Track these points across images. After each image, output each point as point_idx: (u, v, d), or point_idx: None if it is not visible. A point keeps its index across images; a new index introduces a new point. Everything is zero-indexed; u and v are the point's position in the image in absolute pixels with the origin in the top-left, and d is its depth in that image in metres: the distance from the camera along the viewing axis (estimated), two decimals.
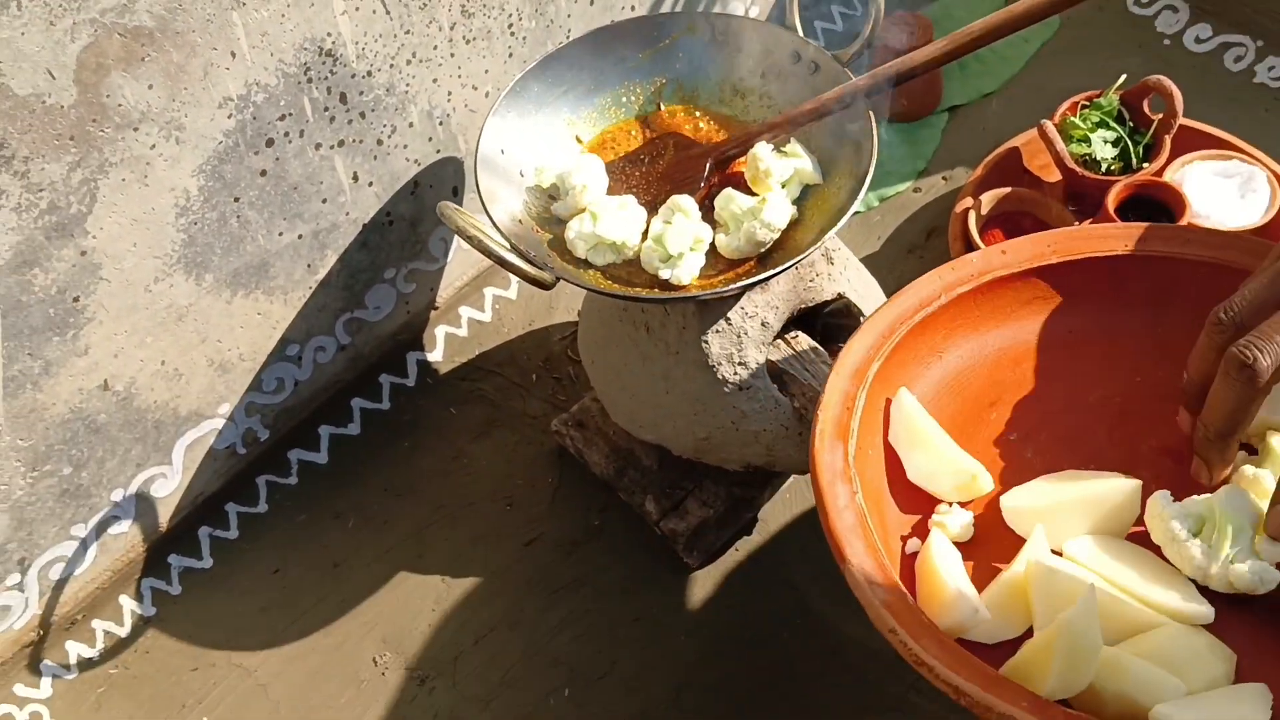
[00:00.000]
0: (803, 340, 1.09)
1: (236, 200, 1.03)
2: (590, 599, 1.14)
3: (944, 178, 1.43)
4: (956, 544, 0.76)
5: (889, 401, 0.82)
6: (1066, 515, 0.76)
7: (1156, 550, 0.74)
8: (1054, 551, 0.75)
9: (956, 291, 0.84)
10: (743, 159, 1.05)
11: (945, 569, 0.72)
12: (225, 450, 1.18)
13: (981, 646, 0.70)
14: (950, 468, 0.79)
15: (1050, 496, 0.77)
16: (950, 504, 0.78)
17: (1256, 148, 1.30)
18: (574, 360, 1.31)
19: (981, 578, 0.75)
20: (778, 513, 1.17)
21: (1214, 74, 1.47)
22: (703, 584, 1.14)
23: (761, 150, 1.03)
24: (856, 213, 1.41)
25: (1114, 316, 0.84)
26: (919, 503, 0.78)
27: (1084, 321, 0.84)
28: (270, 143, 1.03)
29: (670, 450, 1.12)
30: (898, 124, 1.48)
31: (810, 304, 1.08)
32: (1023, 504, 0.77)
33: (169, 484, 1.14)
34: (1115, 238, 0.86)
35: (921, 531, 0.77)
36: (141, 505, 1.14)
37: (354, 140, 1.10)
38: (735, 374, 1.04)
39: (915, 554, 0.76)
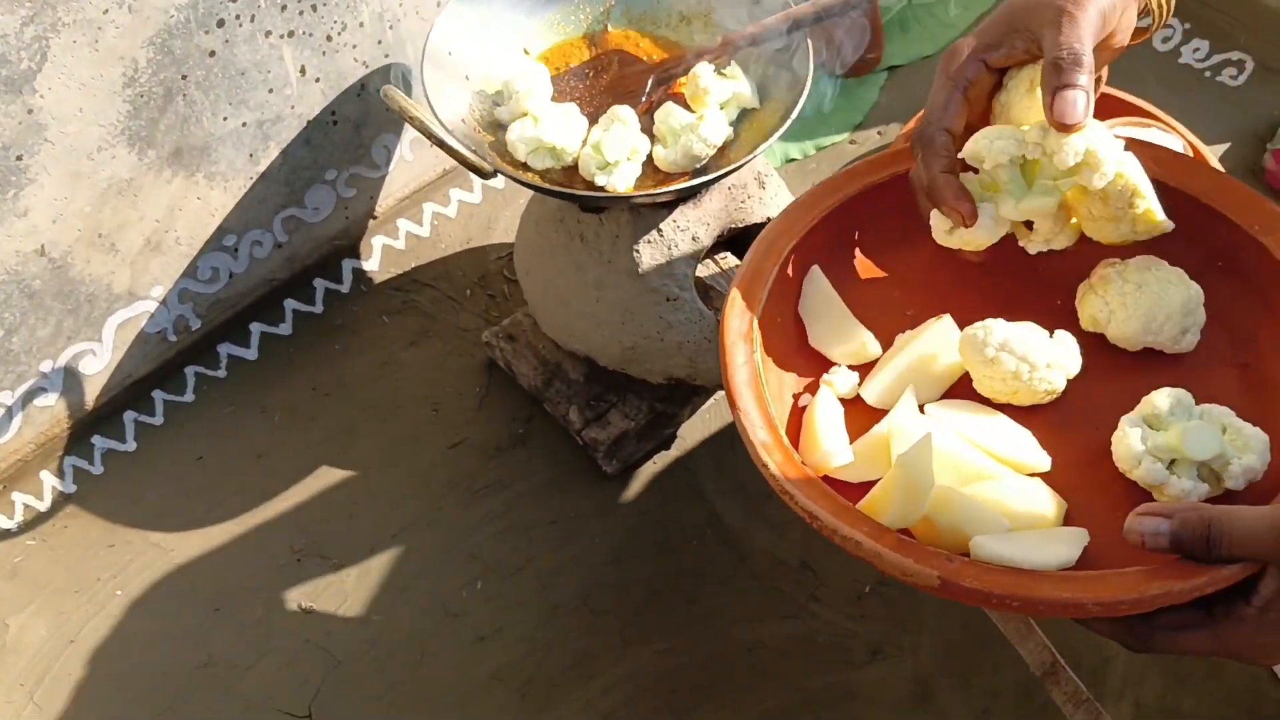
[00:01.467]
0: (731, 260, 1.12)
1: (184, 78, 1.05)
2: (509, 501, 1.17)
3: (879, 132, 1.48)
4: (844, 401, 0.82)
5: (802, 277, 0.87)
6: (907, 377, 0.82)
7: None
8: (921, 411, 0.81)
9: (868, 181, 0.89)
10: (684, 79, 1.09)
11: (823, 418, 0.77)
12: (156, 335, 1.19)
13: (849, 487, 0.75)
14: (844, 335, 0.85)
15: (893, 368, 0.83)
16: (841, 366, 0.83)
17: (1177, 120, 1.36)
18: (509, 279, 1.33)
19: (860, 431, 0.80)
20: (696, 430, 1.21)
21: (1143, 52, 1.52)
22: (619, 492, 1.17)
23: (702, 69, 1.06)
24: (793, 159, 1.46)
25: None
26: (817, 367, 0.84)
27: None
28: (221, 23, 1.04)
29: (597, 362, 1.15)
30: (839, 80, 1.52)
31: (741, 225, 1.12)
32: (879, 385, 0.82)
33: (98, 362, 1.15)
34: None
35: (814, 390, 0.82)
36: (69, 380, 1.14)
37: (304, 32, 1.11)
38: (664, 284, 1.08)
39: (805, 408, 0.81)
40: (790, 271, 0.86)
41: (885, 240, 0.90)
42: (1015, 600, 0.65)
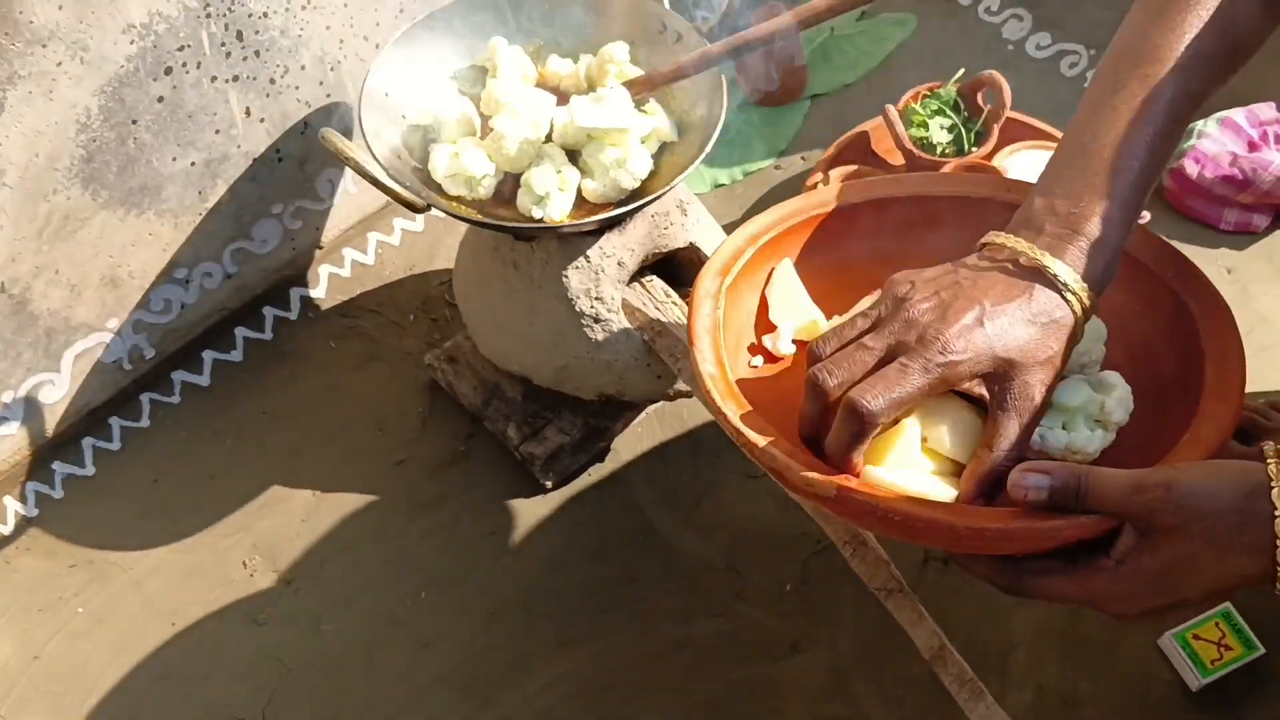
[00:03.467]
0: (656, 283, 1.20)
1: (134, 123, 1.11)
2: (451, 514, 1.24)
3: (803, 157, 1.56)
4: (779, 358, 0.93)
5: (772, 269, 0.97)
6: None
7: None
8: None
9: (853, 199, 0.98)
10: None
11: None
12: (112, 364, 1.25)
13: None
14: (800, 312, 0.94)
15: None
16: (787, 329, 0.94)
17: None
18: (450, 304, 1.40)
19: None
20: (629, 443, 1.28)
21: (1051, 78, 1.61)
22: (556, 504, 1.24)
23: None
24: (721, 184, 1.54)
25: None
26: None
27: (953, 244, 0.97)
28: (169, 71, 1.11)
29: (533, 381, 1.22)
30: (764, 108, 1.61)
31: (664, 249, 1.19)
32: None
33: (57, 391, 1.21)
34: (989, 184, 1.00)
35: (763, 351, 0.93)
36: (30, 409, 1.20)
37: (248, 76, 1.18)
38: (591, 307, 1.15)
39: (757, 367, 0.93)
40: (764, 259, 0.96)
41: (859, 253, 0.98)
42: (898, 516, 0.73)
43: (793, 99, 1.61)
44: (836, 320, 0.89)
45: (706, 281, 0.91)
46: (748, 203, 1.52)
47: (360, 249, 1.43)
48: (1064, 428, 0.81)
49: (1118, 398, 0.81)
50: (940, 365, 0.73)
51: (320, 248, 1.40)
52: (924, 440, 0.79)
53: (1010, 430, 0.76)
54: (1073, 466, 0.72)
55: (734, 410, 0.81)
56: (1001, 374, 0.75)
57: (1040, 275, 0.76)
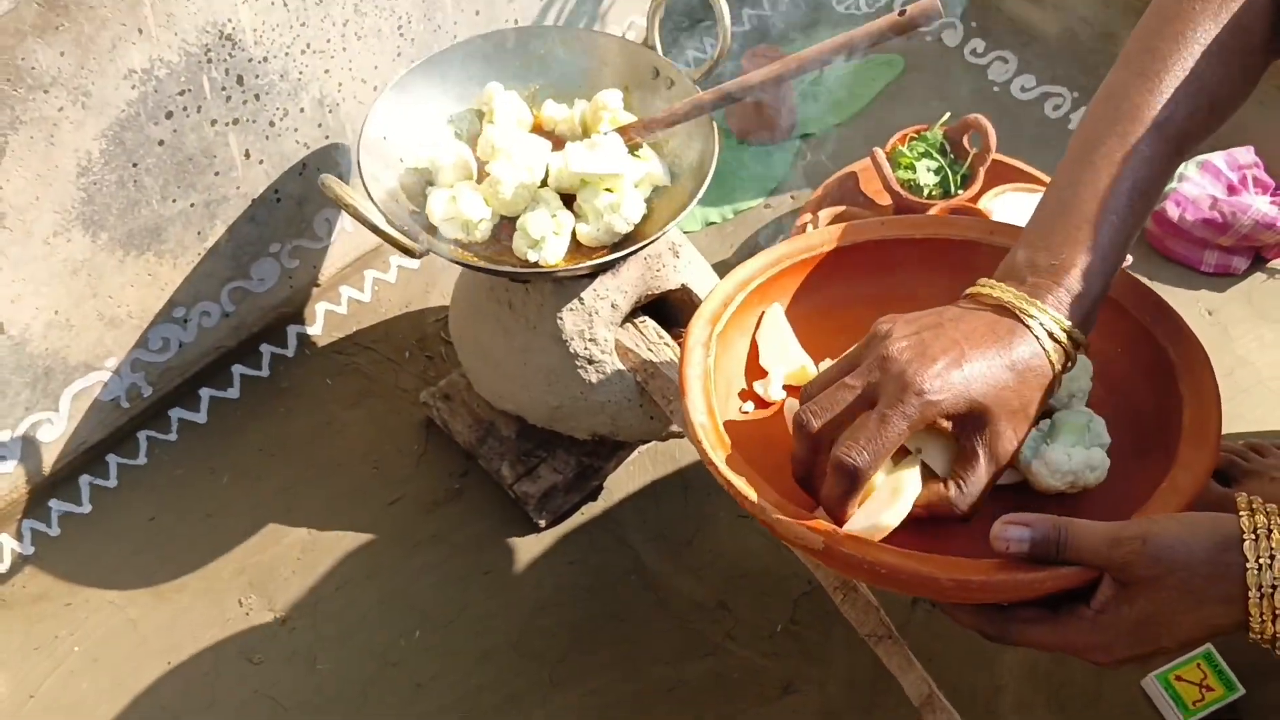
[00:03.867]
0: (649, 324, 1.22)
1: (135, 166, 1.13)
2: (446, 553, 1.25)
3: (792, 196, 1.58)
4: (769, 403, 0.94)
5: (763, 314, 0.99)
6: None
7: None
8: None
9: (841, 243, 1.00)
10: None
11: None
12: (110, 402, 1.26)
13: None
14: (789, 357, 0.96)
15: None
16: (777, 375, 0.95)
17: None
18: (446, 341, 1.42)
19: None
20: (622, 482, 1.30)
21: (1035, 120, 1.64)
22: (549, 542, 1.25)
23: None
24: (712, 223, 1.56)
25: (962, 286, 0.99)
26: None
27: (938, 287, 0.98)
28: (170, 115, 1.13)
29: (527, 420, 1.24)
30: (754, 147, 1.63)
31: (657, 291, 1.21)
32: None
33: (55, 430, 1.22)
34: (968, 227, 1.02)
35: (754, 397, 0.94)
36: (27, 448, 1.21)
37: (248, 120, 1.20)
38: (585, 349, 1.16)
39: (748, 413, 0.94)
40: (754, 304, 0.97)
41: (847, 297, 1.00)
42: (884, 569, 0.75)
43: (782, 138, 1.64)
44: (826, 364, 0.91)
45: (697, 329, 0.93)
46: (738, 241, 1.54)
47: (357, 286, 1.45)
48: (1074, 446, 0.83)
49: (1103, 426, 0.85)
50: (917, 409, 0.75)
51: (318, 285, 1.41)
52: (918, 451, 0.81)
53: (980, 474, 0.78)
54: (1053, 519, 0.74)
55: (724, 460, 0.82)
56: (975, 417, 0.77)
57: (1021, 324, 0.78)
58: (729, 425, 0.87)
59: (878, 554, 0.75)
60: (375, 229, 1.03)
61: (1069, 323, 0.79)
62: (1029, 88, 1.67)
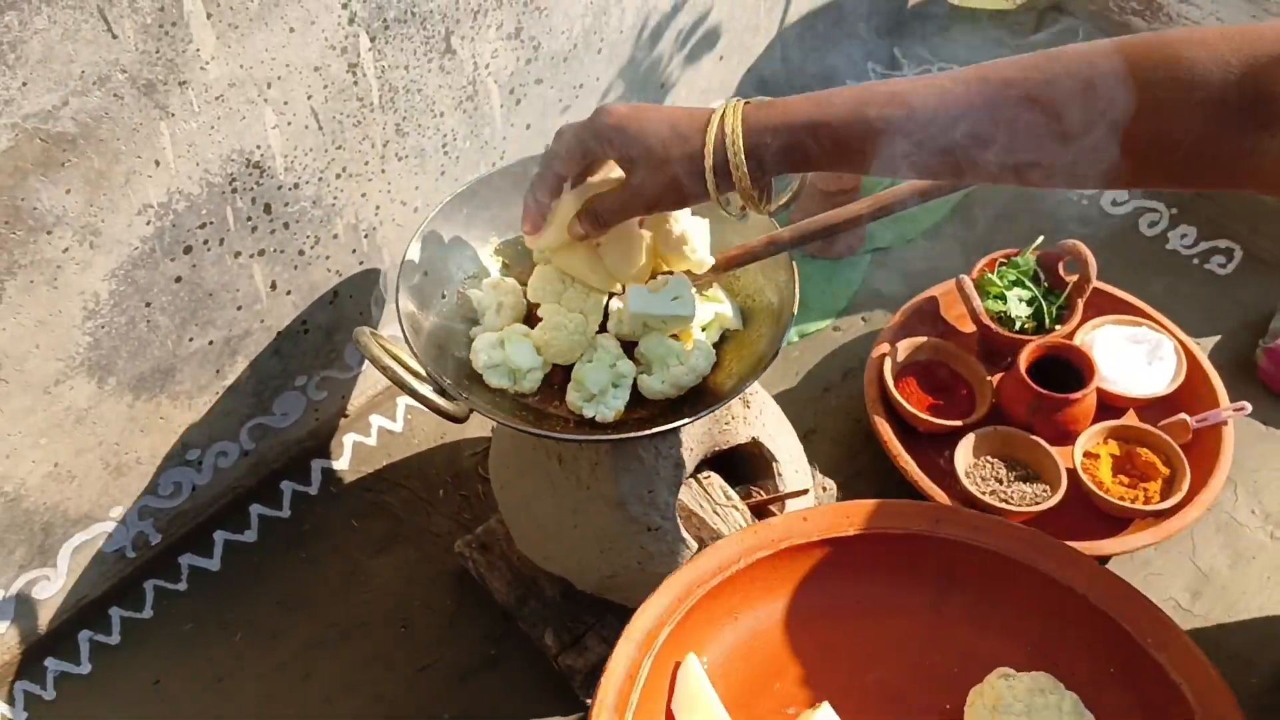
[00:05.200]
0: (715, 482, 1.09)
1: (148, 305, 1.01)
2: None
3: (863, 318, 1.45)
4: None
5: (677, 665, 0.82)
6: None
7: None
8: None
9: (756, 556, 0.86)
10: None
11: None
12: (114, 554, 1.14)
13: None
14: None
15: None
16: None
17: (1164, 313, 1.34)
18: (483, 478, 1.29)
19: None
20: None
21: (1128, 236, 1.51)
22: None
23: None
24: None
25: (902, 591, 0.86)
26: None
27: (875, 591, 0.87)
28: (188, 250, 1.01)
29: (575, 585, 1.11)
30: (822, 261, 1.50)
31: (724, 447, 1.08)
32: None
33: (52, 586, 1.10)
34: (910, 516, 0.88)
35: None
36: (21, 607, 1.09)
37: (275, 250, 1.08)
38: (645, 513, 1.03)
39: None
40: (664, 662, 0.82)
41: (770, 621, 0.86)
42: None
43: (851, 253, 1.51)
44: None
45: None
46: (804, 368, 1.41)
47: (389, 415, 1.33)
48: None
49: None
50: (574, 131, 0.85)
51: (346, 416, 1.29)
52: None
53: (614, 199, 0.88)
54: None
55: None
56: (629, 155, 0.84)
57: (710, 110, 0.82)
58: None
59: None
60: (414, 394, 0.91)
61: (744, 106, 0.80)
62: (1121, 201, 1.54)
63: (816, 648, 0.83)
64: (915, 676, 0.83)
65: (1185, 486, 1.17)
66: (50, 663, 1.14)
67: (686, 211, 1.05)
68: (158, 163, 0.94)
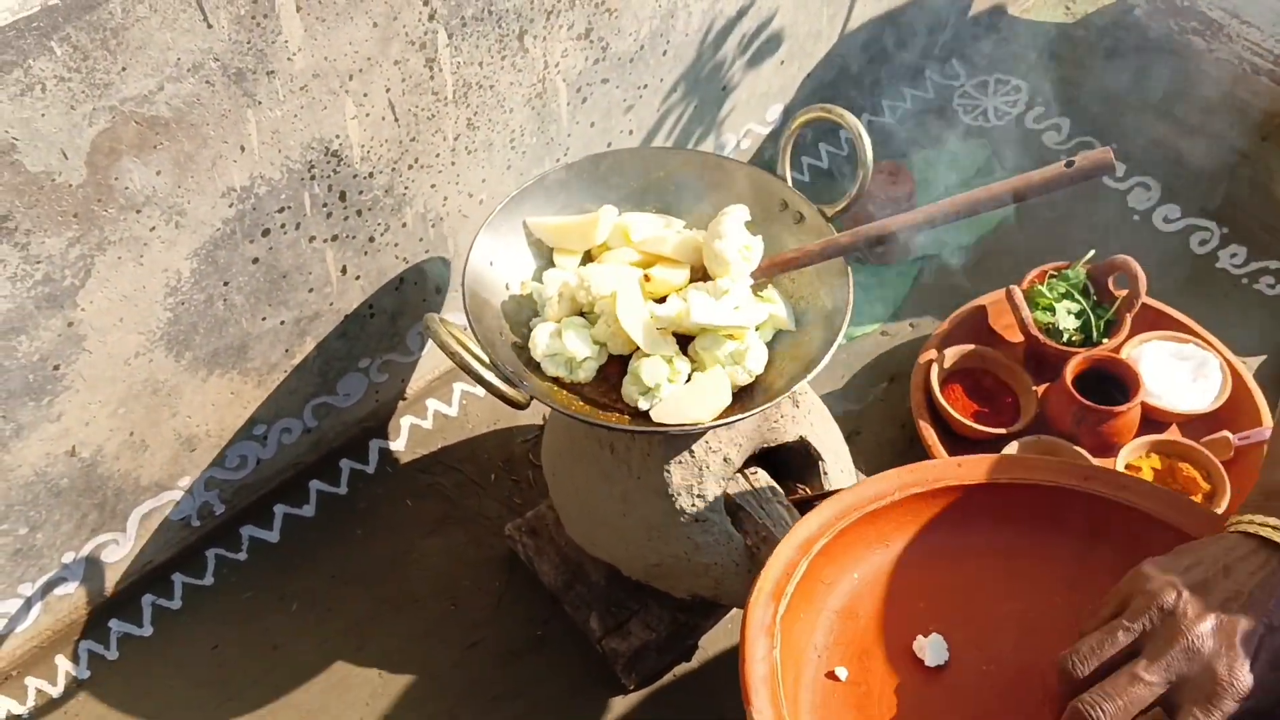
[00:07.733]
0: (761, 477, 1.12)
1: (226, 284, 1.05)
2: (525, 711, 1.15)
3: (911, 324, 1.48)
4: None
5: (829, 576, 0.86)
6: None
7: None
8: None
9: (910, 491, 0.89)
10: None
11: None
12: (180, 521, 1.18)
13: None
14: None
15: None
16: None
17: (1212, 332, 1.35)
18: (535, 464, 1.33)
19: None
20: (717, 641, 1.19)
21: (1179, 254, 1.52)
22: (635, 703, 1.15)
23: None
24: None
25: (1048, 540, 0.89)
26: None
27: (1020, 539, 0.89)
28: (266, 232, 1.05)
29: (621, 571, 1.14)
30: (872, 266, 1.53)
31: (773, 444, 1.11)
32: None
33: (120, 550, 1.15)
34: (1061, 470, 0.91)
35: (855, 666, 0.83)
36: (90, 569, 1.14)
37: (347, 235, 1.12)
38: (693, 505, 1.07)
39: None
40: (818, 569, 0.85)
41: (919, 552, 0.89)
42: None
43: (900, 259, 1.54)
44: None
45: (758, 612, 0.81)
46: (850, 371, 1.43)
47: (444, 399, 1.36)
48: None
49: None
50: (1232, 710, 0.67)
51: (404, 399, 1.33)
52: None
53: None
54: None
55: None
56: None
57: None
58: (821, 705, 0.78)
59: None
60: (480, 379, 0.94)
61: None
62: (1173, 218, 1.55)
63: (961, 579, 0.87)
64: (1049, 612, 0.85)
65: (1225, 503, 1.18)
66: (114, 624, 1.19)
67: (740, 225, 1.08)
68: (243, 148, 0.98)
